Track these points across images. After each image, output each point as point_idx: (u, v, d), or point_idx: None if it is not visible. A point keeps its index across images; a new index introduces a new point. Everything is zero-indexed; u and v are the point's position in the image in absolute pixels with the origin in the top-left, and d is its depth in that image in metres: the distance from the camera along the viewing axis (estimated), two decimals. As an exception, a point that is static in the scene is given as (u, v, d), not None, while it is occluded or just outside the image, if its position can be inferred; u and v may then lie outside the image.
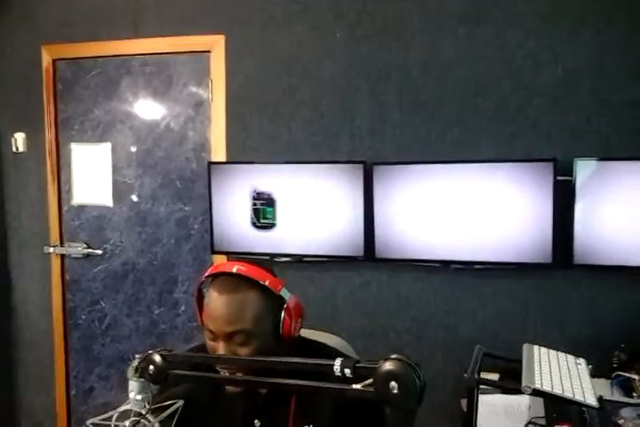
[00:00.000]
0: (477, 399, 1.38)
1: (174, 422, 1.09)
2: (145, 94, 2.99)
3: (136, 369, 1.09)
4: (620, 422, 1.82)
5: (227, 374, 1.25)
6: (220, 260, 2.81)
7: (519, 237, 2.39)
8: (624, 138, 2.36)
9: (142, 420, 1.04)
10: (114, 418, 1.03)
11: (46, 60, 3.08)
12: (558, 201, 2.31)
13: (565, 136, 2.40)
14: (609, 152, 2.36)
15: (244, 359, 1.22)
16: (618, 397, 2.06)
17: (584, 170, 2.31)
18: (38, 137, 3.13)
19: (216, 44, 2.80)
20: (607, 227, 2.31)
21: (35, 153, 3.15)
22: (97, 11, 2.97)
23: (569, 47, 2.37)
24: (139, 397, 1.08)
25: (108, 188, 3.08)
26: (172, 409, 1.10)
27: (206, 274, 1.30)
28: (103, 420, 1.03)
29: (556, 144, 2.41)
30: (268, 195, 2.70)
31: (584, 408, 1.78)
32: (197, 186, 2.93)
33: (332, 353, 1.42)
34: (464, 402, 1.44)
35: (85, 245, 3.12)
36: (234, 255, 2.77)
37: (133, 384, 1.09)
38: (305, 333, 1.49)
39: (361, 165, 2.56)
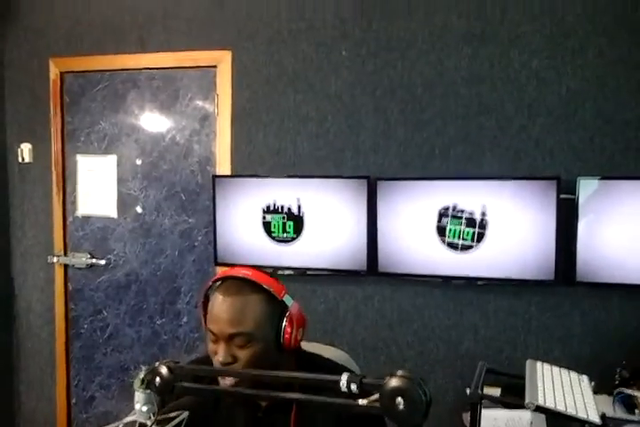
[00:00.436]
0: (480, 415, 1.39)
1: (179, 433, 1.10)
2: (151, 108, 3.02)
3: (142, 381, 1.10)
4: (622, 439, 1.82)
5: (226, 382, 1.26)
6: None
7: (522, 253, 2.41)
8: (627, 157, 2.39)
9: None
10: (119, 429, 1.04)
11: (54, 72, 3.12)
12: (561, 219, 2.33)
13: (569, 155, 2.43)
14: (612, 171, 2.38)
15: (250, 372, 1.23)
16: (620, 414, 2.07)
17: (587, 188, 2.33)
18: (44, 148, 3.16)
19: (223, 60, 2.84)
20: (610, 245, 2.33)
21: (41, 164, 3.18)
22: (105, 25, 3.01)
23: (573, 67, 2.40)
24: (144, 408, 1.09)
25: (113, 199, 3.10)
26: (177, 420, 1.11)
27: (213, 279, 1.34)
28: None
29: (560, 162, 2.43)
30: (277, 208, 2.72)
31: (586, 425, 1.79)
32: (202, 198, 2.95)
33: (336, 367, 1.43)
34: (466, 416, 1.46)
35: (89, 256, 3.14)
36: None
37: (139, 396, 1.10)
38: (307, 346, 1.50)
39: (365, 181, 2.58)
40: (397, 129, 2.62)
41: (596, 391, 1.44)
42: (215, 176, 2.84)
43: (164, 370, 1.11)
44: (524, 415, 2.01)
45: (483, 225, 2.44)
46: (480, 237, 2.45)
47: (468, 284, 2.52)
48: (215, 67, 2.87)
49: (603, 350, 2.41)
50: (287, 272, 2.70)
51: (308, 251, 2.70)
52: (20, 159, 3.21)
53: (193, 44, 2.88)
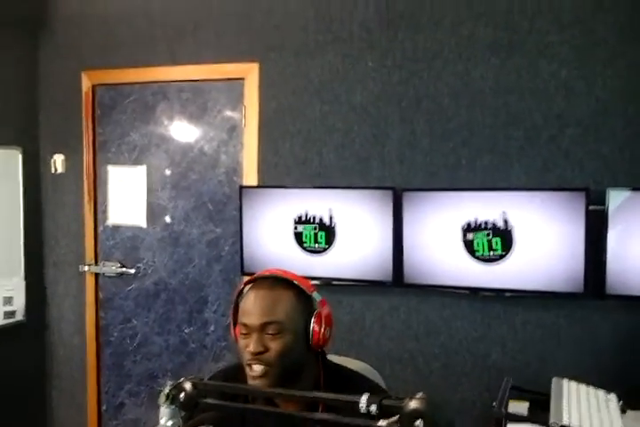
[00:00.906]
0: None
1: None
2: (180, 119, 3.06)
3: (167, 396, 1.12)
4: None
5: (254, 373, 1.30)
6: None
7: (550, 265, 2.38)
8: (657, 168, 2.34)
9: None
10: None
11: (86, 85, 3.19)
12: (590, 230, 2.29)
13: (598, 166, 2.39)
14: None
15: (274, 391, 1.24)
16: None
17: (617, 199, 2.29)
18: (77, 159, 3.23)
19: (250, 71, 2.87)
20: (640, 257, 2.29)
21: (73, 174, 3.25)
22: (136, 39, 3.07)
23: (602, 77, 2.36)
24: (169, 423, 1.11)
25: (143, 209, 3.15)
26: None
27: (245, 281, 1.42)
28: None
29: (589, 173, 2.39)
30: (308, 219, 2.73)
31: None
32: (228, 209, 2.98)
33: (361, 380, 1.46)
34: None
35: (119, 265, 3.19)
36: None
37: (164, 411, 1.12)
38: (332, 358, 1.51)
39: (390, 191, 2.58)
40: (423, 139, 2.62)
41: (623, 410, 1.41)
42: (242, 187, 2.86)
43: (188, 386, 1.12)
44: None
45: (510, 237, 2.42)
46: (508, 248, 2.43)
47: (496, 296, 2.49)
48: (243, 79, 2.90)
49: (633, 364, 2.36)
50: (313, 282, 2.70)
51: (337, 261, 2.70)
52: (52, 170, 3.29)
53: (221, 57, 2.91)
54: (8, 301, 3.08)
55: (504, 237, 2.43)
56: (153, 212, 3.14)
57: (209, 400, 1.12)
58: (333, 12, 2.71)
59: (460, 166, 2.57)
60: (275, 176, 2.86)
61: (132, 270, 3.17)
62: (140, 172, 3.15)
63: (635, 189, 2.29)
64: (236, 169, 2.96)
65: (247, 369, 1.34)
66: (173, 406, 1.11)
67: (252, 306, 1.34)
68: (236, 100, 2.94)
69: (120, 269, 3.18)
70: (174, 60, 3.01)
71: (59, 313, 3.33)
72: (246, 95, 2.90)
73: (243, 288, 1.40)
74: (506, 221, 2.42)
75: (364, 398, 0.96)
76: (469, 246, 2.48)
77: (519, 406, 2.29)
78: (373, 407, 0.94)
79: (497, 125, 2.51)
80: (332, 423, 1.13)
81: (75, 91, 3.21)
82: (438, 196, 2.53)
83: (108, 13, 3.12)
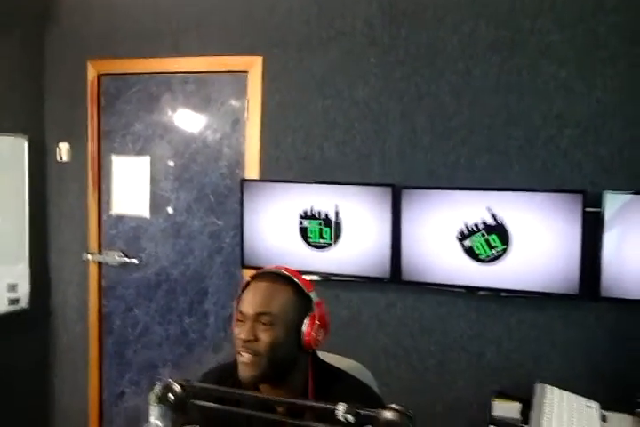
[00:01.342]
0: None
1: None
2: (184, 110, 3.08)
3: (157, 396, 1.16)
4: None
5: (244, 359, 1.35)
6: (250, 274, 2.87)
7: (546, 266, 2.39)
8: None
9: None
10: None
11: (91, 74, 3.21)
12: (586, 233, 2.30)
13: (596, 168, 2.38)
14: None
15: (256, 395, 1.27)
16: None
17: (614, 202, 2.29)
18: (81, 148, 3.26)
19: (254, 65, 2.87)
20: (636, 260, 2.29)
21: (77, 163, 3.28)
22: (141, 30, 3.08)
23: (602, 78, 2.35)
24: (158, 422, 1.15)
25: (146, 199, 3.18)
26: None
27: (252, 274, 1.48)
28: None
29: (587, 175, 2.39)
30: (314, 214, 2.75)
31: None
32: (230, 201, 3.00)
33: (351, 381, 1.48)
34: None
35: (122, 254, 3.23)
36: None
37: (154, 410, 1.15)
38: (325, 356, 1.54)
39: (390, 188, 2.59)
40: (423, 137, 2.62)
41: (604, 419, 1.43)
42: (243, 180, 2.88)
43: (176, 387, 1.16)
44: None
45: (507, 237, 2.43)
46: (504, 248, 2.44)
47: (492, 295, 2.51)
48: (246, 72, 2.91)
49: (626, 366, 2.38)
50: (312, 277, 2.73)
51: (340, 257, 2.72)
52: (58, 158, 3.32)
53: (225, 50, 2.92)
54: (12, 288, 3.13)
55: (501, 237, 2.43)
56: (156, 202, 3.16)
57: (196, 402, 1.16)
58: (336, 8, 2.70)
59: (460, 165, 2.57)
60: (276, 170, 2.87)
61: (135, 260, 3.20)
62: (143, 162, 3.17)
63: (633, 192, 2.28)
64: (238, 161, 2.98)
65: (237, 356, 1.38)
66: (163, 406, 1.15)
67: (251, 296, 1.39)
68: (240, 93, 2.95)
69: (123, 259, 3.21)
70: (179, 52, 3.01)
71: (62, 301, 3.38)
72: (249, 88, 2.91)
73: (248, 281, 1.45)
74: (503, 222, 2.42)
75: (341, 408, 0.99)
76: (466, 246, 2.49)
77: (511, 406, 2.32)
78: (350, 417, 0.98)
79: (496, 125, 2.50)
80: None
81: (80, 80, 3.22)
82: (437, 194, 2.53)
83: (114, 3, 3.13)
